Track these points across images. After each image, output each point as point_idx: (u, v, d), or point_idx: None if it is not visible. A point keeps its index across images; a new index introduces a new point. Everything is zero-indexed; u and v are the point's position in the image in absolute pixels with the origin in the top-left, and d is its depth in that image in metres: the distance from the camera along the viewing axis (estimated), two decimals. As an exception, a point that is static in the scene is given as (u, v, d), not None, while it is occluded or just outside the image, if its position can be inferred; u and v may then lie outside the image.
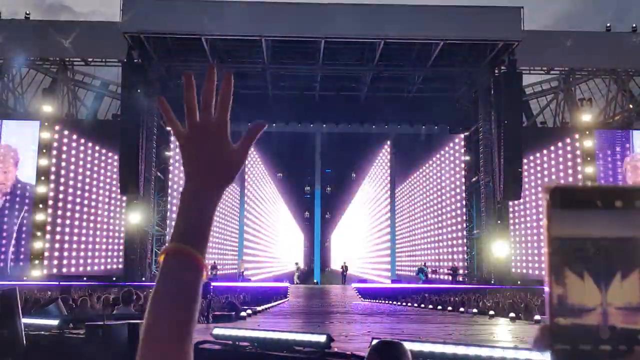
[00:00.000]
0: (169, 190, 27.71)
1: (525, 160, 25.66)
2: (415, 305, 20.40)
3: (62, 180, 26.35)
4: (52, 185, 26.13)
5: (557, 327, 0.48)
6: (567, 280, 0.48)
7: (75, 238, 26.08)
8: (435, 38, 23.69)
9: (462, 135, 29.58)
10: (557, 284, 0.48)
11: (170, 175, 28.01)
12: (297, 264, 32.68)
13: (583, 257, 0.48)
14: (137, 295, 10.15)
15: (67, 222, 26.13)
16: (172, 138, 27.82)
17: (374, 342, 2.57)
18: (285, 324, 12.42)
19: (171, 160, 28.06)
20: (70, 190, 26.38)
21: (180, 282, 0.80)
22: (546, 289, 0.49)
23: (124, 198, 26.22)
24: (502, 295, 20.18)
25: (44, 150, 26.17)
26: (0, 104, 27.37)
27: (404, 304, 21.31)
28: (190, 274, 0.80)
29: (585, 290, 0.48)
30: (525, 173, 26.32)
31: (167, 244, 0.84)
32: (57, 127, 26.51)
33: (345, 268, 31.81)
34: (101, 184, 26.79)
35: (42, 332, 6.62)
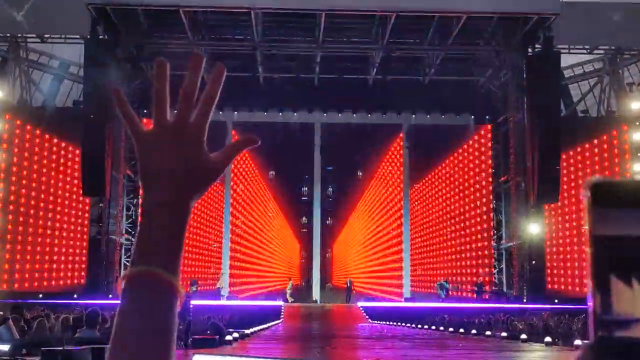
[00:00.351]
0: (141, 192, 27.69)
1: (563, 156, 25.64)
2: (433, 327, 20.45)
3: (14, 179, 26.33)
4: (0, 185, 26.12)
5: (601, 344, 0.48)
6: (612, 288, 0.48)
7: (29, 247, 26.07)
8: (456, 11, 23.68)
9: (489, 126, 29.58)
10: (601, 292, 0.49)
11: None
12: (290, 279, 32.73)
13: (631, 261, 0.48)
14: (103, 317, 10.16)
15: (20, 228, 26.11)
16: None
17: (384, 371, 2.58)
18: (279, 350, 12.44)
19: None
20: (24, 190, 26.36)
21: (150, 314, 0.77)
22: (589, 302, 0.49)
23: (87, 201, 26.19)
24: (536, 315, 20.20)
25: (-7, 144, 26.16)
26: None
27: (419, 326, 21.34)
28: (163, 303, 0.78)
29: (633, 298, 0.48)
30: (564, 171, 26.29)
31: (128, 268, 0.81)
32: (7, 116, 26.49)
33: (350, 284, 31.84)
34: (60, 184, 26.78)
35: (-10, 360, 6.61)
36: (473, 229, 29.38)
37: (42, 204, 26.40)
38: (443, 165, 31.35)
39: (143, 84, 27.17)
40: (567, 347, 13.13)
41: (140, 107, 28.23)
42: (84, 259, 26.09)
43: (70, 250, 26.40)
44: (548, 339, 13.97)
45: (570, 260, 26.42)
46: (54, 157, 26.90)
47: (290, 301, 30.12)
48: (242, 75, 27.85)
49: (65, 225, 26.46)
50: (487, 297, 27.32)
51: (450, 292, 27.84)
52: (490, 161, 29.41)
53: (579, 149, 27.43)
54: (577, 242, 25.98)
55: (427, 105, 29.61)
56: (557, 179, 24.07)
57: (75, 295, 23.60)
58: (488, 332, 17.45)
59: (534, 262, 25.43)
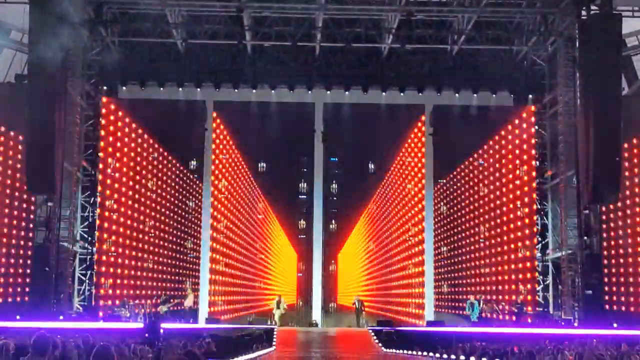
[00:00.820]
0: (99, 188, 27.65)
1: (625, 145, 25.59)
2: (463, 358, 20.46)
3: (-58, 172, 26.34)
4: None
5: None
6: None
7: (-40, 257, 26.09)
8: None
9: (532, 108, 29.52)
10: None
11: (101, 166, 27.96)
12: (280, 296, 32.76)
13: None
14: (54, 342, 10.14)
15: (-51, 233, 26.14)
16: (104, 110, 27.81)
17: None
18: (271, 385, 12.47)
19: (103, 144, 28.00)
20: (-46, 186, 26.38)
21: None
22: None
23: (33, 199, 26.14)
24: (590, 344, 20.19)
25: None
26: None
27: (445, 356, 21.36)
28: None
29: None
30: (626, 164, 26.24)
31: None
32: None
33: (360, 305, 31.83)
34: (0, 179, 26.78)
35: None
36: (512, 236, 29.33)
37: (-24, 203, 26.39)
38: (475, 156, 31.28)
39: (102, 54, 27.13)
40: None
41: (98, 82, 28.26)
42: (28, 271, 26.07)
43: (12, 261, 26.38)
44: (605, 373, 13.95)
45: (634, 274, 26.37)
46: (-8, 144, 26.88)
47: (277, 324, 30.11)
48: (225, 44, 27.79)
49: (5, 230, 26.44)
50: (529, 319, 27.31)
51: (483, 314, 27.84)
52: (533, 151, 29.33)
53: (644, 137, 27.37)
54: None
55: (456, 81, 29.55)
56: (617, 173, 24.02)
57: (17, 317, 23.61)
58: (530, 364, 17.46)
59: (586, 276, 25.39)
